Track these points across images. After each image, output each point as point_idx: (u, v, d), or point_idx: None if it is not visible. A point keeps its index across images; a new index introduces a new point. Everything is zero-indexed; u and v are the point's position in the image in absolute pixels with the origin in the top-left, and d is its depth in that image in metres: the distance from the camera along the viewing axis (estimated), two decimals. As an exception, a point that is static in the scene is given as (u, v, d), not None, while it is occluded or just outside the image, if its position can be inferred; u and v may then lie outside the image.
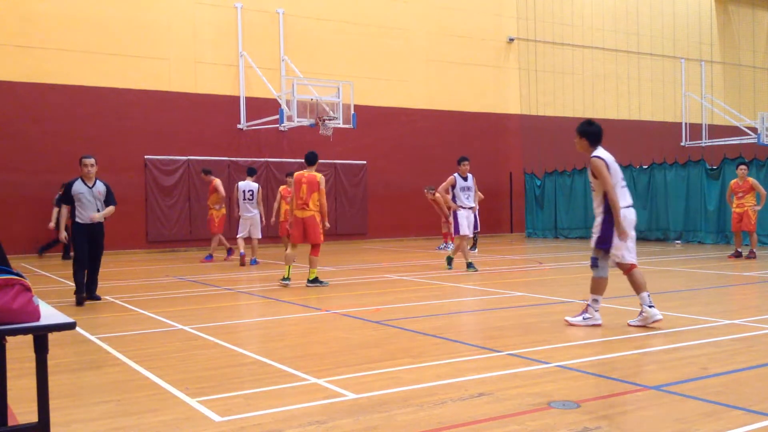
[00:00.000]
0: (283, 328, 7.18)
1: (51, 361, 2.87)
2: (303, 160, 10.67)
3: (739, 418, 3.87)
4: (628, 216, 6.68)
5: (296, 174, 10.58)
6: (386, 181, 22.07)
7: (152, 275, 12.82)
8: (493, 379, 4.77)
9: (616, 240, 6.66)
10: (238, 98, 20.04)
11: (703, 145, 27.50)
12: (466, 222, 12.43)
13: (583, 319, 6.82)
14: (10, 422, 3.39)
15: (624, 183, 6.82)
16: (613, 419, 3.86)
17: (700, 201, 18.59)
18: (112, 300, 9.31)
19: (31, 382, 2.92)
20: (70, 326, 2.74)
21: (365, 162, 21.86)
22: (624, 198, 6.71)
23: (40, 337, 2.74)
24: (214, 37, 19.74)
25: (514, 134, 24.86)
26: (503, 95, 24.72)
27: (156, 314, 7.99)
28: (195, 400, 4.39)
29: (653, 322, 6.60)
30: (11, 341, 3.04)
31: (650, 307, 6.64)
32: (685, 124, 28.08)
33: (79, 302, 8.86)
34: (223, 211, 15.11)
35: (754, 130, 25.38)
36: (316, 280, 10.32)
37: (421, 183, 20.63)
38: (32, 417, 2.97)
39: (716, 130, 28.13)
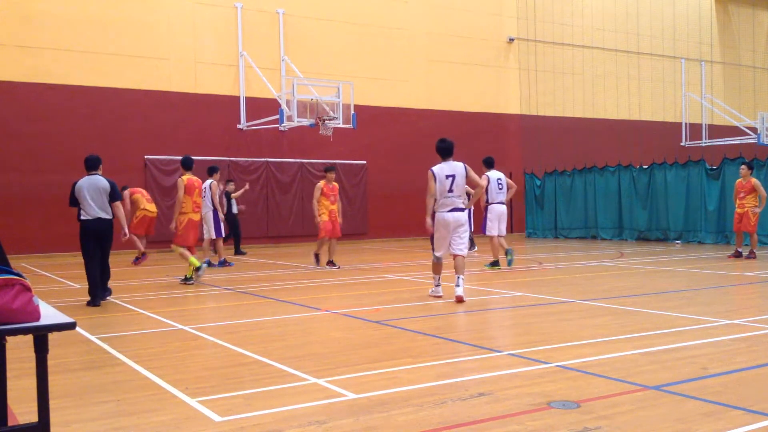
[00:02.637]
0: (283, 328, 7.17)
1: (51, 361, 2.87)
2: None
3: (739, 418, 3.87)
4: (444, 218, 8.74)
5: (188, 179, 11.26)
6: (386, 181, 22.07)
7: (152, 275, 12.82)
8: (493, 379, 4.77)
9: (436, 235, 8.87)
10: (238, 98, 20.05)
11: (703, 145, 27.50)
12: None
13: (431, 292, 9.05)
14: (10, 422, 3.39)
15: (450, 194, 8.71)
16: (613, 419, 3.86)
17: (700, 201, 18.58)
18: (113, 300, 9.31)
19: (31, 382, 2.92)
20: (70, 326, 2.74)
21: (365, 162, 21.86)
22: (444, 205, 8.75)
23: (40, 337, 2.74)
24: (214, 37, 19.74)
25: (514, 134, 24.87)
26: (503, 95, 24.72)
27: (156, 314, 7.99)
28: (195, 400, 4.39)
29: (436, 296, 8.92)
30: (11, 341, 3.04)
31: (437, 286, 9.02)
32: (685, 124, 28.08)
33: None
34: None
35: (754, 130, 25.38)
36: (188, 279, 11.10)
37: (421, 183, 20.60)
38: (32, 417, 2.97)
39: (716, 130, 28.13)
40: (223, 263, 14.05)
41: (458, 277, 8.61)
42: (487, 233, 12.87)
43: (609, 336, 6.27)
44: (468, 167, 8.87)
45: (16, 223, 16.85)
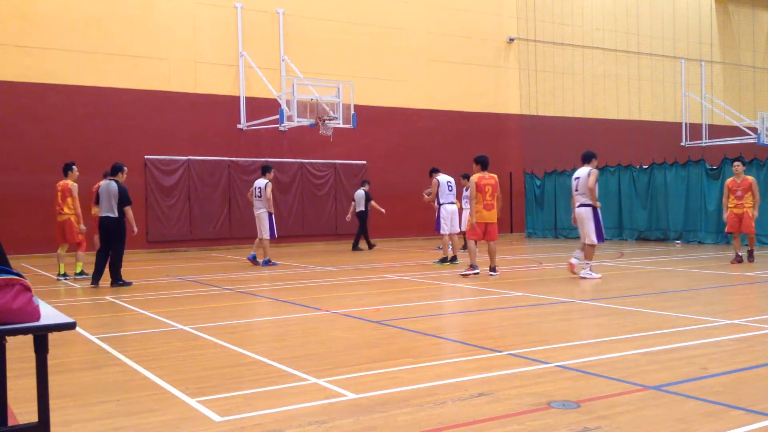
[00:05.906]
0: (283, 328, 7.17)
1: (51, 361, 2.87)
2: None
3: (739, 418, 3.87)
4: (575, 212, 11.06)
5: (60, 183, 12.26)
6: (386, 181, 22.07)
7: (152, 275, 12.82)
8: (493, 379, 4.77)
9: None
10: (238, 98, 20.05)
11: (703, 145, 27.51)
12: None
13: (582, 273, 10.88)
14: (10, 422, 3.39)
15: (576, 193, 10.97)
16: (613, 419, 3.86)
17: (700, 201, 18.57)
18: (113, 300, 9.32)
19: (31, 382, 2.91)
20: (70, 326, 2.74)
21: (365, 162, 21.87)
22: (575, 202, 10.98)
23: (40, 337, 2.74)
24: (214, 37, 19.74)
25: (514, 134, 24.86)
26: (503, 95, 24.72)
27: (156, 314, 7.99)
28: (195, 400, 4.39)
29: (583, 278, 10.68)
30: (11, 341, 3.04)
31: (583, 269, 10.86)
32: (685, 124, 28.08)
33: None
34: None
35: (754, 130, 25.39)
36: (82, 273, 11.99)
37: (422, 183, 20.60)
38: (32, 417, 2.97)
39: (716, 130, 28.13)
40: (267, 263, 13.93)
41: (581, 255, 10.96)
42: (441, 232, 14.03)
43: (609, 336, 6.27)
44: (593, 172, 10.67)
45: (16, 223, 16.84)
